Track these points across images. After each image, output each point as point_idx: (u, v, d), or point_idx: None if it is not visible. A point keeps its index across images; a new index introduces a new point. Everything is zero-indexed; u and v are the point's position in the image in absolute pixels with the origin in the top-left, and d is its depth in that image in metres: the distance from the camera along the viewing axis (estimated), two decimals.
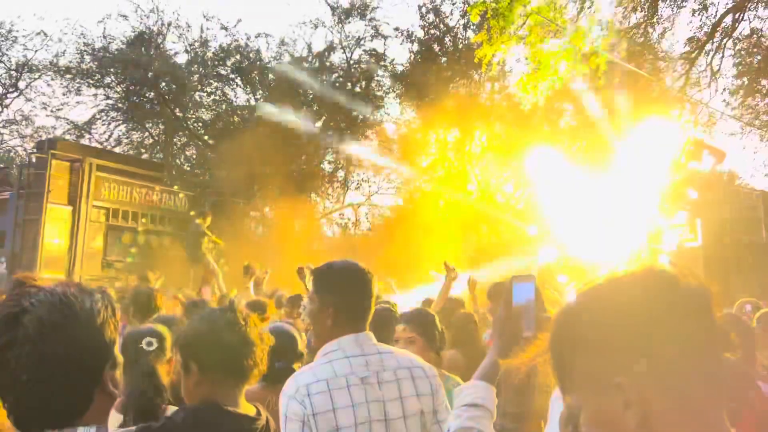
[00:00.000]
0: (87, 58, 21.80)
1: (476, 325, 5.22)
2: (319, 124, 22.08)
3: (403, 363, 2.31)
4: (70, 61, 22.00)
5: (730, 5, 13.74)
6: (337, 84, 22.63)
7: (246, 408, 1.99)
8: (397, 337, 3.14)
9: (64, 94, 22.52)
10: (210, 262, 11.33)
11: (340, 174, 24.15)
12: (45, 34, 22.44)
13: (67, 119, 23.47)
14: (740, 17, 13.85)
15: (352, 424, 2.12)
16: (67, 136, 22.37)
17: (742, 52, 15.92)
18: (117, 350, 1.38)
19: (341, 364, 2.21)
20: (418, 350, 2.86)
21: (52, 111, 23.22)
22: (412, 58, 22.41)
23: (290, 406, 2.11)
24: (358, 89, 22.84)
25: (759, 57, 15.59)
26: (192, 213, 10.16)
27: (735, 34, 14.74)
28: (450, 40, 22.06)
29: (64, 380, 1.29)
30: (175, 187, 15.51)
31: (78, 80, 22.00)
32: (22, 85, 23.47)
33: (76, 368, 1.30)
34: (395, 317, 3.60)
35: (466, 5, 18.74)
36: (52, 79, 22.54)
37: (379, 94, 22.95)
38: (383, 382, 2.22)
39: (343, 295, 2.33)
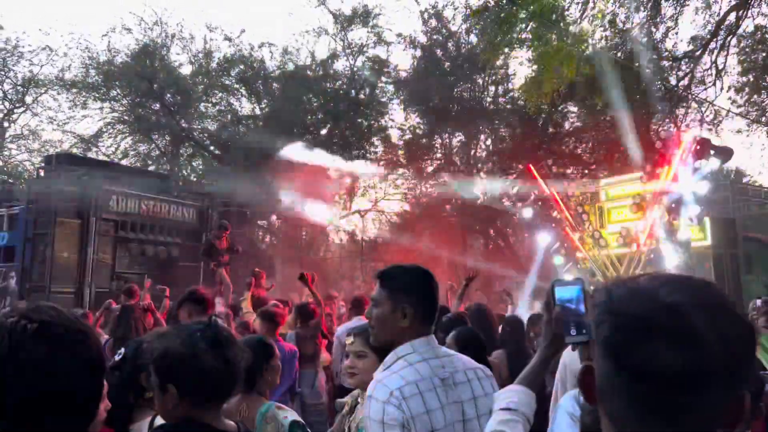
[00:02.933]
0: (92, 71, 21.96)
1: (523, 327, 5.60)
2: (323, 131, 22.14)
3: (468, 365, 2.35)
4: (76, 75, 22.18)
5: (733, 3, 13.70)
6: (341, 91, 22.68)
7: (224, 424, 1.93)
8: (346, 351, 2.90)
9: (70, 108, 22.72)
10: (223, 276, 11.35)
11: (347, 181, 24.16)
12: (50, 49, 22.69)
13: (74, 133, 23.67)
14: (744, 14, 13.80)
15: (442, 425, 2.14)
16: (75, 150, 22.51)
17: (747, 50, 15.86)
18: None
19: (422, 366, 2.22)
20: (369, 365, 2.68)
21: (58, 125, 23.43)
22: (415, 63, 22.44)
23: (388, 411, 2.09)
24: (362, 96, 22.88)
25: (764, 54, 15.54)
26: (219, 226, 10.12)
27: (739, 32, 14.70)
28: (453, 45, 22.08)
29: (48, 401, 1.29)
30: (182, 198, 15.55)
31: (84, 94, 22.15)
32: (28, 99, 23.71)
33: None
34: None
35: (469, 10, 18.76)
36: (58, 94, 22.75)
37: (383, 100, 22.97)
38: (458, 383, 2.25)
39: (417, 297, 2.33)
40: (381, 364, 2.45)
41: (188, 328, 1.95)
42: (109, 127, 23.23)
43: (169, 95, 22.28)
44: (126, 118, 23.09)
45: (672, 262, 11.88)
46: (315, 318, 6.32)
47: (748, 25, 14.92)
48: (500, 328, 5.75)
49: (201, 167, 24.03)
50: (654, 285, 0.93)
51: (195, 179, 23.00)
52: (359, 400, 2.72)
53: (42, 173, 13.65)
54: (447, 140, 22.87)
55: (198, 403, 1.86)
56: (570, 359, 3.04)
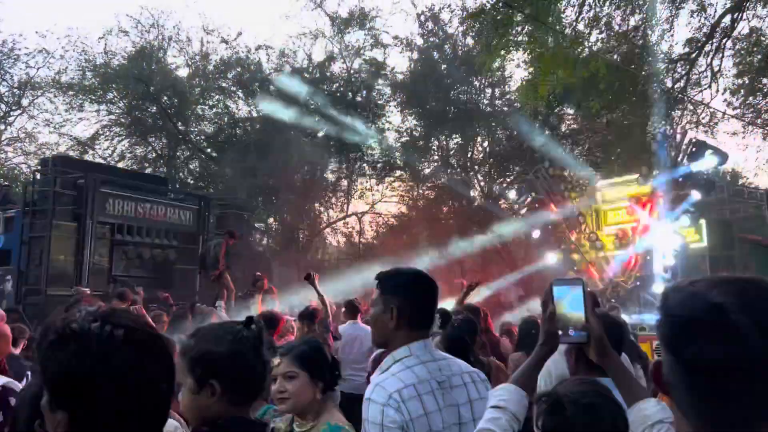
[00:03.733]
0: (89, 74, 21.93)
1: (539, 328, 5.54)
2: (321, 134, 22.14)
3: (463, 368, 2.36)
4: (72, 78, 22.15)
5: (728, 5, 13.74)
6: (338, 94, 22.68)
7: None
8: (273, 374, 2.63)
9: (66, 111, 22.68)
10: (228, 280, 11.28)
11: (344, 183, 24.18)
12: (47, 52, 22.60)
13: (71, 135, 23.62)
14: (739, 17, 13.83)
15: (440, 428, 2.15)
16: (71, 153, 22.46)
17: (742, 52, 15.89)
18: None
19: (420, 369, 2.23)
20: (301, 387, 2.57)
21: (55, 128, 23.37)
22: (411, 66, 22.46)
23: (387, 413, 2.10)
24: (359, 98, 22.90)
25: (759, 56, 15.57)
26: (224, 233, 10.04)
27: (734, 34, 14.73)
28: (449, 48, 22.10)
29: None
30: (180, 200, 15.54)
31: (80, 96, 22.12)
32: (25, 102, 23.63)
33: None
34: None
35: (465, 13, 18.79)
36: (55, 96, 22.69)
37: (380, 102, 22.98)
38: (454, 386, 2.26)
39: (406, 297, 2.33)
40: (311, 382, 2.51)
41: (232, 328, 1.99)
42: (105, 129, 23.22)
43: (165, 98, 22.27)
44: (123, 120, 23.07)
45: (667, 263, 11.92)
46: (319, 318, 6.34)
47: (743, 28, 14.97)
48: (516, 330, 5.86)
49: (198, 170, 24.00)
50: (707, 287, 1.03)
51: (192, 182, 22.99)
52: (295, 426, 2.61)
53: (38, 176, 13.61)
54: (444, 142, 22.89)
55: (234, 401, 1.88)
56: (555, 366, 3.02)
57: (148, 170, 22.87)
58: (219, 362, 1.88)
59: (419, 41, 22.38)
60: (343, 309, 7.33)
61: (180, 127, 22.80)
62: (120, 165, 22.22)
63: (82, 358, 1.19)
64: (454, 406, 2.22)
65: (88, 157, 21.93)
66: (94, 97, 22.20)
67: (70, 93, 22.11)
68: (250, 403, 1.98)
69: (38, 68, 23.07)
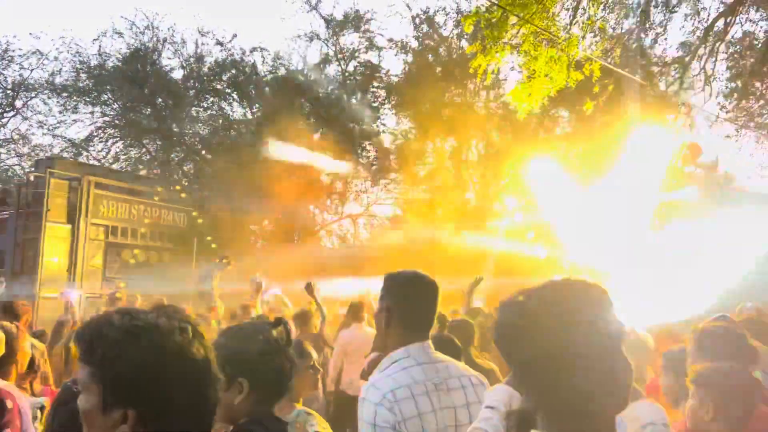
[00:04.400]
0: (83, 76, 21.88)
1: None
2: (316, 136, 22.12)
3: (462, 371, 2.37)
4: (66, 80, 22.09)
5: (721, 9, 13.82)
6: (333, 96, 22.69)
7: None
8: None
9: (60, 113, 22.59)
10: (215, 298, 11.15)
11: (338, 185, 24.16)
12: (41, 53, 22.52)
13: (64, 137, 23.52)
14: (732, 21, 13.91)
15: (434, 429, 2.15)
16: (65, 154, 22.39)
17: (735, 56, 15.99)
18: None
19: (416, 371, 2.24)
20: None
21: (49, 129, 23.27)
22: (406, 68, 22.48)
23: (380, 413, 2.12)
24: (354, 101, 22.90)
25: (752, 60, 15.65)
26: (224, 260, 9.94)
27: (727, 38, 14.81)
28: (444, 50, 22.14)
29: None
30: (174, 203, 15.51)
31: (74, 98, 22.05)
32: (18, 104, 23.53)
33: None
34: None
35: (460, 15, 18.83)
36: (49, 98, 22.61)
37: (374, 105, 23.00)
38: (451, 389, 2.27)
39: (400, 298, 2.36)
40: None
41: (262, 327, 2.03)
42: (99, 131, 23.16)
43: (160, 99, 22.23)
44: (117, 122, 23.01)
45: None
46: (312, 322, 6.39)
47: (736, 32, 15.06)
48: None
49: (192, 171, 23.95)
50: (516, 295, 1.21)
51: (186, 184, 22.94)
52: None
53: (32, 178, 13.57)
54: (438, 145, 22.91)
55: (261, 400, 1.92)
56: None
57: (143, 172, 22.82)
58: (248, 361, 1.92)
59: (414, 44, 22.42)
60: (347, 311, 7.30)
61: (174, 129, 22.76)
62: (114, 167, 22.16)
63: (157, 352, 1.20)
64: (451, 409, 2.23)
65: (82, 159, 21.87)
66: (88, 99, 22.15)
67: (64, 94, 22.05)
68: (276, 401, 2.01)
69: (32, 69, 23.01)
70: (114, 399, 1.20)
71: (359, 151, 22.86)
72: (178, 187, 15.74)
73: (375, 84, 23.01)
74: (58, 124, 23.04)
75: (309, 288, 6.69)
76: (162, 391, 1.19)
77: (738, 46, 15.78)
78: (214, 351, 1.89)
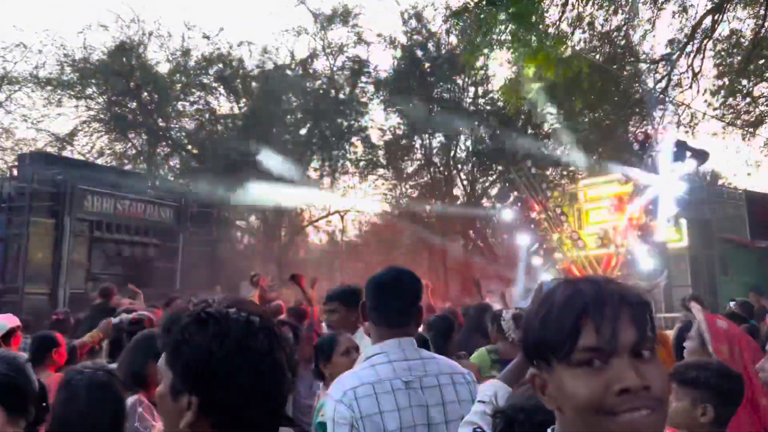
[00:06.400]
0: (67, 69, 21.61)
1: None
2: (303, 131, 22.04)
3: (444, 369, 2.34)
4: (51, 73, 21.79)
5: (709, 7, 13.86)
6: (321, 91, 22.60)
7: None
8: None
9: (44, 106, 22.28)
10: None
11: (326, 181, 24.09)
12: (24, 46, 22.20)
13: (49, 131, 23.22)
14: (719, 18, 13.95)
15: (397, 427, 2.14)
16: (49, 149, 22.14)
17: (722, 53, 16.05)
18: None
19: (385, 368, 2.22)
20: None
21: (32, 123, 22.95)
22: (395, 64, 22.43)
23: (338, 409, 2.14)
24: (341, 96, 22.83)
25: (738, 57, 15.72)
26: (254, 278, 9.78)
27: (715, 36, 14.87)
28: (433, 46, 22.11)
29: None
30: (159, 198, 15.38)
31: (59, 92, 21.78)
32: (1, 97, 23.21)
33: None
34: None
35: (449, 11, 18.79)
36: (33, 91, 22.30)
37: (363, 100, 22.93)
38: (426, 387, 2.24)
39: (374, 296, 2.36)
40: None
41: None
42: (84, 125, 22.87)
43: (146, 93, 22.03)
44: (102, 116, 22.77)
45: (647, 262, 12.00)
46: (308, 318, 6.30)
47: (723, 29, 15.12)
48: None
49: (178, 167, 23.77)
50: None
51: (172, 179, 22.77)
52: None
53: (15, 172, 13.39)
54: (427, 141, 22.89)
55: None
56: None
57: (128, 167, 22.63)
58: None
59: (403, 39, 22.36)
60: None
61: (160, 124, 22.58)
62: (99, 161, 21.94)
63: (222, 340, 1.20)
64: (423, 407, 2.20)
65: (66, 154, 21.63)
66: (72, 93, 21.89)
67: (49, 88, 21.77)
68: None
69: (15, 63, 22.71)
70: (182, 385, 1.21)
71: (347, 147, 22.80)
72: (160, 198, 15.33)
73: (363, 79, 22.93)
74: (42, 118, 22.76)
75: (295, 279, 6.61)
76: (224, 380, 1.19)
77: (725, 44, 15.84)
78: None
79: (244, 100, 22.92)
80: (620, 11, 14.44)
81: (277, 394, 1.26)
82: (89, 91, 22.10)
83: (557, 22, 12.73)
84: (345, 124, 22.14)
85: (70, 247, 12.50)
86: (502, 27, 10.72)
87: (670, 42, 15.68)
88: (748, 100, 16.73)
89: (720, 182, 25.04)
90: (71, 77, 21.63)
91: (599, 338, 1.00)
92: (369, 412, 2.12)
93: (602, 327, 1.00)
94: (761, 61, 15.44)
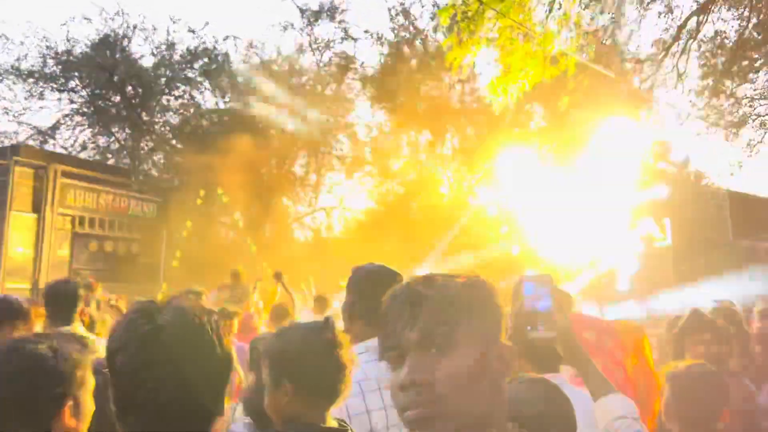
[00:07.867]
0: (50, 61, 21.35)
1: None
2: (289, 127, 21.93)
3: None
4: (33, 65, 21.52)
5: (694, 7, 13.95)
6: (308, 87, 22.52)
7: (331, 422, 1.97)
8: None
9: (26, 99, 21.98)
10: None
11: (312, 177, 24.03)
12: (6, 38, 21.90)
13: (30, 124, 22.91)
14: (704, 19, 14.06)
15: (384, 426, 2.13)
16: (31, 142, 21.84)
17: (707, 54, 16.18)
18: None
19: (371, 366, 2.20)
20: None
21: (14, 116, 22.64)
22: (382, 60, 22.41)
23: None
24: (328, 92, 22.76)
25: (723, 59, 15.86)
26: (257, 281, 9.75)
27: (699, 36, 14.98)
28: (420, 43, 22.10)
29: (193, 402, 1.28)
30: (143, 193, 15.26)
31: (41, 84, 21.52)
32: None
33: (206, 388, 1.32)
34: None
35: (436, 8, 18.79)
36: (14, 84, 21.99)
37: (349, 96, 22.88)
38: None
39: (361, 293, 2.37)
40: None
41: (308, 328, 2.01)
42: (67, 118, 22.60)
43: (130, 87, 21.82)
44: (85, 110, 22.53)
45: (631, 262, 12.07)
46: (290, 317, 6.32)
47: (708, 30, 15.24)
48: None
49: (162, 161, 23.59)
50: None
51: (156, 173, 22.58)
52: None
53: None
54: (413, 138, 22.89)
55: (311, 401, 1.90)
56: None
57: (111, 161, 22.42)
58: (291, 361, 1.91)
59: (390, 36, 22.34)
60: (313, 306, 7.23)
61: (144, 118, 22.38)
62: (82, 155, 21.72)
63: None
64: None
65: (48, 147, 21.39)
66: (55, 85, 21.64)
67: (31, 80, 21.50)
68: (326, 405, 1.94)
69: None
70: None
71: (333, 143, 22.74)
72: (143, 193, 15.26)
73: (350, 75, 22.89)
74: (23, 111, 22.45)
75: (278, 276, 6.64)
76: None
77: (710, 45, 15.97)
78: (266, 352, 2.00)
79: (229, 95, 22.79)
80: (606, 11, 14.51)
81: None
82: (72, 84, 21.86)
83: (544, 21, 12.76)
84: (331, 120, 22.08)
85: (52, 242, 12.37)
86: (490, 25, 10.73)
87: (656, 42, 15.79)
88: (731, 101, 16.89)
89: (704, 182, 25.25)
90: (54, 70, 21.38)
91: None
92: (357, 411, 2.11)
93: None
94: (745, 63, 15.57)
